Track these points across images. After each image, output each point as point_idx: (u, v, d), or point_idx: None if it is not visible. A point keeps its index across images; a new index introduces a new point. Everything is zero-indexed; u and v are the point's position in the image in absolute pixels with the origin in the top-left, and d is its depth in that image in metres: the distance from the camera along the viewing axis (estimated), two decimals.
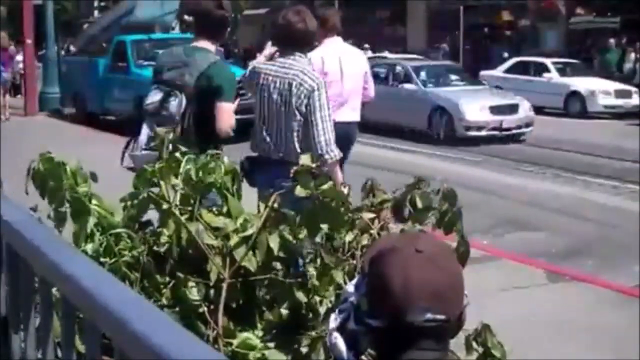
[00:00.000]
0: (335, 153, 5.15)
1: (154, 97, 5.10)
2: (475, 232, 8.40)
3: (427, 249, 1.91)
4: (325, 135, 5.15)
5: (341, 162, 5.51)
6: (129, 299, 1.60)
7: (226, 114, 5.06)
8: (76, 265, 1.81)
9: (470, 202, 11.49)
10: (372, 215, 3.06)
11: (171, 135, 4.75)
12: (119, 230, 2.83)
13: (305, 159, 2.88)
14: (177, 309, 2.76)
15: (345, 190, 2.94)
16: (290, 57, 5.32)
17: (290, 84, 5.20)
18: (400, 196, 3.16)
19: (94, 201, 2.85)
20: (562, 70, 26.68)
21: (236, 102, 5.17)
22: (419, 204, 3.09)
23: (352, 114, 7.30)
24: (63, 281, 1.83)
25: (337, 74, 7.11)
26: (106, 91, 19.18)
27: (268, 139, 5.28)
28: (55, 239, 2.06)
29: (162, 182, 2.76)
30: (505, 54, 32.62)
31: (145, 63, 16.73)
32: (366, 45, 39.14)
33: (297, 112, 5.18)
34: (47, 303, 2.05)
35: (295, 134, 5.19)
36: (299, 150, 5.12)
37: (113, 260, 2.72)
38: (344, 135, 6.33)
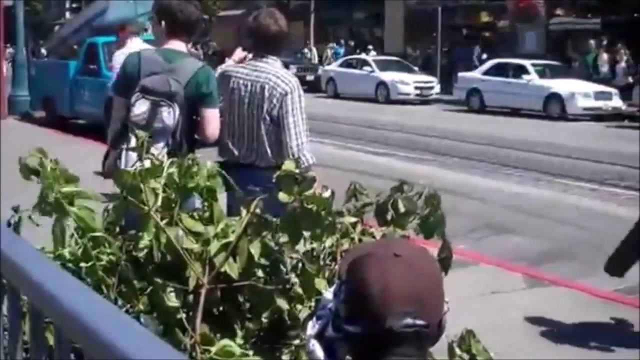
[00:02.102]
0: (307, 158, 5.15)
1: (141, 107, 4.85)
2: (453, 236, 8.41)
3: (405, 254, 1.93)
4: (298, 140, 5.15)
5: None
6: (97, 306, 1.61)
7: (215, 121, 5.03)
8: (43, 271, 1.81)
9: (447, 206, 11.49)
10: (354, 219, 3.08)
11: (162, 146, 4.76)
12: (96, 234, 2.84)
13: (288, 164, 2.90)
14: (154, 315, 2.77)
15: (327, 194, 2.96)
16: (262, 59, 5.31)
17: (262, 88, 5.18)
18: (383, 200, 3.17)
19: (76, 202, 2.85)
20: (542, 72, 26.86)
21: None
22: (402, 208, 3.11)
23: None
24: (30, 288, 1.84)
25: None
26: (77, 94, 19.06)
27: (238, 143, 5.28)
28: (22, 245, 2.07)
29: (143, 186, 2.77)
30: (484, 56, 32.79)
31: (118, 65, 16.65)
32: (369, 47, 39.23)
33: (268, 117, 5.16)
34: (16, 309, 2.06)
35: (266, 138, 5.18)
36: (270, 156, 5.14)
37: (90, 264, 2.73)
38: None
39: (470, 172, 14.62)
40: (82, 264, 2.74)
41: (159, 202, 2.77)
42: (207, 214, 2.88)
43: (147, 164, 2.86)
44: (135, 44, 11.24)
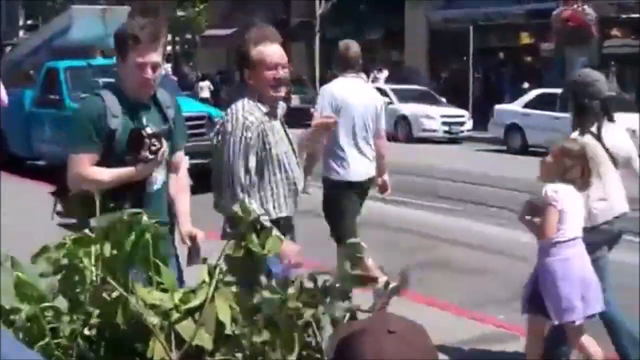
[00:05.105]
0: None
1: None
2: (490, 304, 8.34)
3: (400, 329, 2.02)
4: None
5: None
6: None
7: (68, 167, 5.19)
8: None
9: (481, 267, 11.39)
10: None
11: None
12: (47, 304, 2.81)
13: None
14: None
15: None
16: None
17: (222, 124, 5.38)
18: None
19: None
20: None
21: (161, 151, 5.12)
22: None
23: None
24: None
25: None
26: (34, 130, 19.12)
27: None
28: None
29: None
30: (526, 85, 32.86)
31: (83, 95, 16.68)
32: (384, 71, 39.25)
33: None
34: None
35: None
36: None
37: (45, 341, 2.69)
38: None
39: (509, 226, 14.55)
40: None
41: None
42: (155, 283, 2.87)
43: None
44: None
